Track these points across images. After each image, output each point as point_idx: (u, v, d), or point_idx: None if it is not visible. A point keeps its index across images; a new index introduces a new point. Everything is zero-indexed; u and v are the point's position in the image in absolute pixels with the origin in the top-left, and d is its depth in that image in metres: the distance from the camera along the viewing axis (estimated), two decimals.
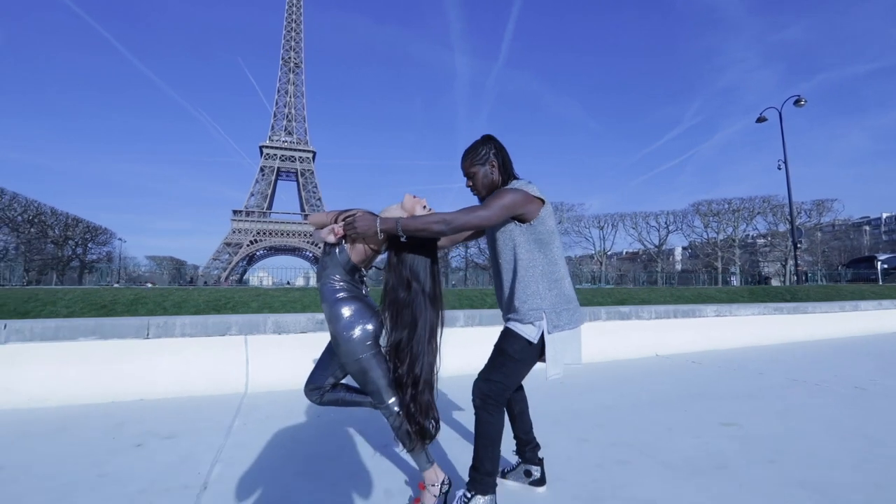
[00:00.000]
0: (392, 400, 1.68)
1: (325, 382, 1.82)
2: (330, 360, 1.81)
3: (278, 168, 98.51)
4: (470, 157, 1.76)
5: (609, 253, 48.10)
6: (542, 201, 1.65)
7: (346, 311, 1.66)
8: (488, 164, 1.74)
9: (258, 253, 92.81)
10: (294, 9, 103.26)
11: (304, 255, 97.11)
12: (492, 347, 1.73)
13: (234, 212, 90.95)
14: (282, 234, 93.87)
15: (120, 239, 44.12)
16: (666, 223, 45.20)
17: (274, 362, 3.84)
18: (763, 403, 3.19)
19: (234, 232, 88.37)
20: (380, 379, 1.66)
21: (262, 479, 1.97)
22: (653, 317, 5.71)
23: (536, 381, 1.83)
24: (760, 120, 19.64)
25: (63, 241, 35.73)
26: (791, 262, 38.74)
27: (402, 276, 1.64)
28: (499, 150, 1.75)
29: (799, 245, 19.66)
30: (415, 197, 1.71)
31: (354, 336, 1.64)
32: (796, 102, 18.24)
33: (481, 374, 1.69)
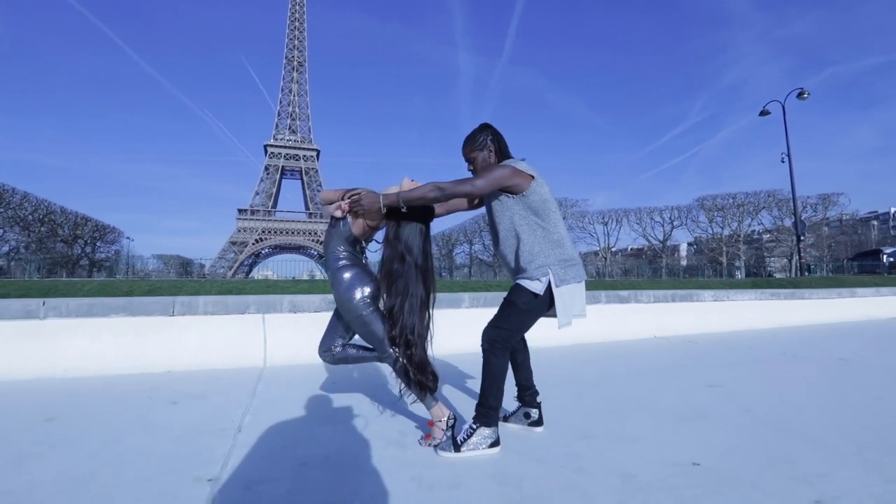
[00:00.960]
0: (391, 349, 1.93)
1: (335, 344, 2.06)
2: (337, 324, 2.07)
3: (283, 167, 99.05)
4: (470, 144, 1.99)
5: (614, 249, 48.16)
6: (532, 176, 1.87)
7: (347, 276, 1.92)
8: (486, 149, 1.97)
9: (263, 251, 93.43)
10: (297, 8, 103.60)
11: (309, 252, 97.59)
12: None
13: (240, 210, 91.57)
14: (287, 233, 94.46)
15: (128, 238, 44.61)
16: (671, 218, 45.15)
17: (290, 340, 4.07)
18: (747, 371, 3.40)
19: (239, 231, 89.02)
20: (380, 332, 1.92)
21: (288, 425, 2.21)
22: (651, 300, 5.91)
23: (541, 357, 2.06)
24: (763, 113, 19.69)
25: (73, 240, 36.22)
26: (797, 256, 38.75)
27: (398, 250, 1.90)
28: (495, 137, 1.98)
29: (802, 238, 19.73)
30: (412, 180, 1.94)
31: (355, 297, 1.90)
32: (799, 95, 18.30)
33: (490, 322, 1.91)
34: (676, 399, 2.61)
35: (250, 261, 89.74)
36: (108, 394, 2.82)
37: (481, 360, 1.89)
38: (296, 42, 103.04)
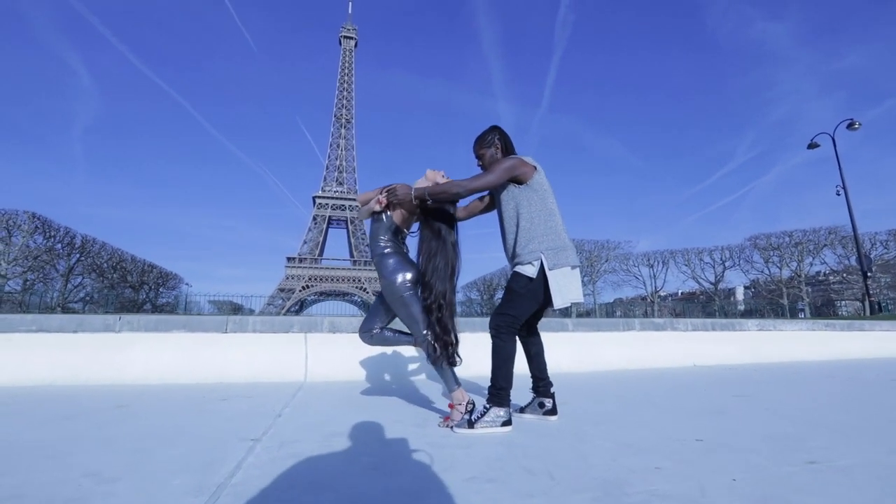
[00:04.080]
0: (426, 332, 2.13)
1: (374, 326, 2.30)
2: (378, 308, 2.32)
3: (329, 217, 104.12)
4: (479, 143, 2.28)
5: (662, 294, 46.18)
6: (535, 167, 2.12)
7: (391, 262, 2.18)
8: (493, 146, 2.25)
9: (309, 298, 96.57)
10: (346, 71, 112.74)
11: (353, 299, 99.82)
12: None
13: (288, 258, 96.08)
14: (332, 280, 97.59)
15: (187, 284, 47.76)
16: (721, 259, 42.98)
17: (329, 357, 4.35)
18: (779, 386, 3.30)
19: (287, 278, 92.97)
20: (418, 313, 2.16)
21: (327, 415, 2.43)
22: (689, 329, 5.77)
23: (565, 380, 2.21)
24: (812, 146, 19.05)
25: (139, 286, 39.21)
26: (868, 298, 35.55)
27: (435, 228, 2.20)
28: (502, 136, 2.26)
29: (870, 275, 18.30)
30: (435, 171, 2.24)
31: (397, 280, 2.15)
32: (849, 126, 17.65)
33: (495, 310, 2.11)
34: (696, 401, 2.62)
35: (296, 307, 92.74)
36: (170, 396, 3.16)
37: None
38: (344, 101, 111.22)
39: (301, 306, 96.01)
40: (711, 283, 43.91)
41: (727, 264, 43.00)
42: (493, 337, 2.06)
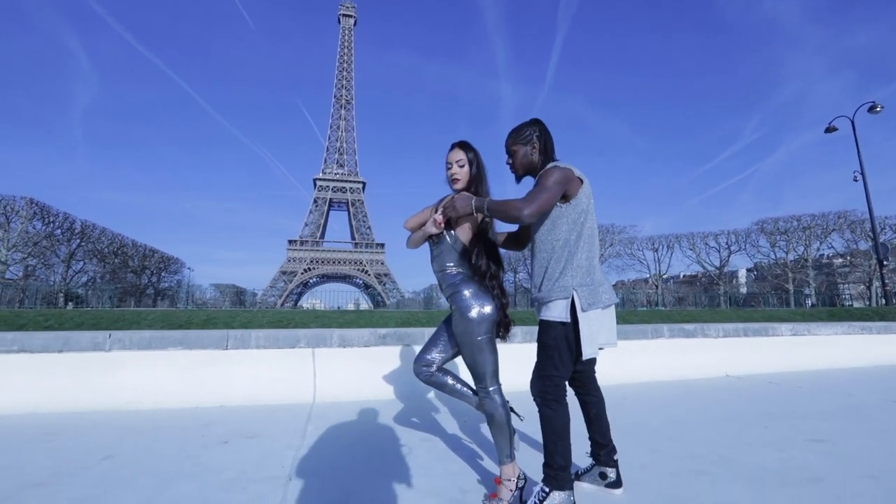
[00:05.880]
0: (494, 388, 1.77)
1: (434, 361, 1.92)
2: (441, 337, 1.94)
3: (330, 199, 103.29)
4: (514, 136, 1.85)
5: (665, 276, 45.88)
6: (581, 181, 1.72)
7: (466, 293, 1.78)
8: (530, 144, 1.83)
9: (311, 280, 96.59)
10: (346, 51, 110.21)
11: (355, 281, 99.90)
12: None
13: (290, 241, 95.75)
14: (333, 262, 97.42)
15: (189, 268, 47.57)
16: (727, 243, 42.57)
17: (339, 374, 4.00)
18: (855, 423, 2.93)
19: (289, 260, 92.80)
20: (489, 364, 1.77)
21: (339, 474, 2.08)
22: (720, 335, 5.41)
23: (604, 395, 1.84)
24: (830, 130, 18.39)
25: (141, 271, 39.01)
26: (877, 283, 35.15)
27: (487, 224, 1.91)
28: (542, 134, 1.83)
29: (886, 263, 17.85)
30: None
31: (472, 316, 1.75)
32: (871, 109, 16.97)
33: (533, 372, 1.74)
34: (773, 457, 2.25)
35: (299, 290, 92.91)
36: (163, 432, 2.81)
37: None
38: (344, 82, 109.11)
39: (304, 288, 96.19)
40: (716, 267, 43.53)
41: (733, 248, 42.57)
42: (539, 406, 1.69)
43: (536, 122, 1.86)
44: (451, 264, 1.85)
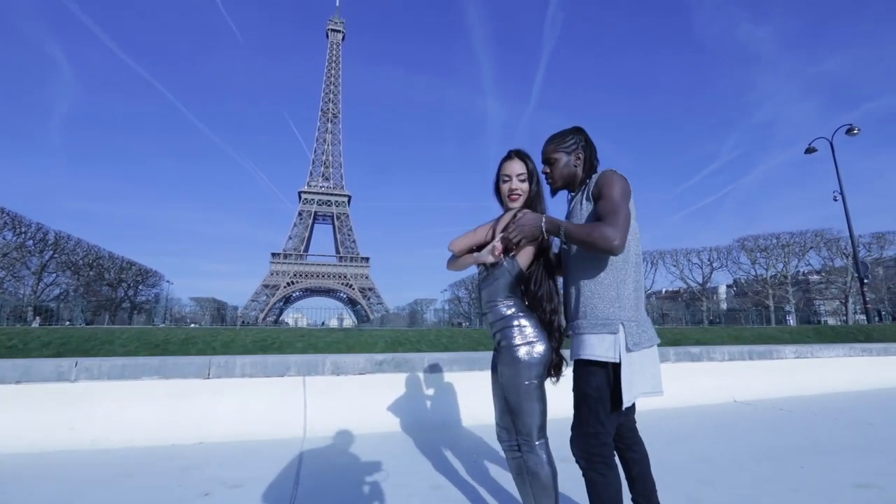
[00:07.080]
0: (540, 442, 1.52)
1: (510, 425, 1.63)
2: (497, 392, 1.68)
3: (315, 212, 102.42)
4: (555, 142, 1.62)
5: (648, 292, 46.31)
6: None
7: (519, 330, 1.54)
8: (573, 154, 1.60)
9: (294, 294, 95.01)
10: (333, 65, 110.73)
11: (338, 296, 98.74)
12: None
13: (273, 254, 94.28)
14: (317, 276, 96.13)
15: (168, 281, 46.23)
16: (709, 260, 43.36)
17: (332, 404, 3.69)
18: (893, 461, 2.74)
19: (272, 274, 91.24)
20: (536, 414, 1.51)
21: None
22: (726, 358, 5.26)
23: None
24: (810, 150, 18.86)
25: (117, 284, 37.75)
26: (852, 300, 36.01)
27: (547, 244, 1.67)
28: (588, 144, 1.61)
29: (866, 281, 18.21)
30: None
31: (522, 357, 1.50)
32: (849, 132, 17.46)
33: (573, 429, 1.47)
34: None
35: (281, 304, 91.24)
36: (134, 479, 2.46)
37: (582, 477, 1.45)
38: (331, 96, 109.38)
39: (286, 302, 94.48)
40: (699, 284, 44.17)
41: (714, 265, 43.35)
42: (584, 470, 1.43)
43: (581, 131, 1.63)
44: (507, 294, 1.58)
